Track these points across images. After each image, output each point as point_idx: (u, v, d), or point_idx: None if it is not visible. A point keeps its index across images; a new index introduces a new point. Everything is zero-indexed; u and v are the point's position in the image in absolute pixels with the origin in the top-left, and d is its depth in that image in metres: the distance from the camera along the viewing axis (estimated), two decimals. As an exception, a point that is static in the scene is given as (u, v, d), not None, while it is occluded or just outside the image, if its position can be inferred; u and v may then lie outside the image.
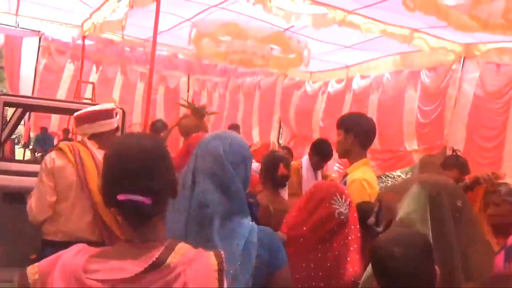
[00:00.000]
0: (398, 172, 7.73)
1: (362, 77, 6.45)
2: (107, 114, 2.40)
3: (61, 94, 7.46)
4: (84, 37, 6.12)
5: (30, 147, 9.88)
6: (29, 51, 6.92)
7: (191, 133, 2.92)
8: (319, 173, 4.11)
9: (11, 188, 2.93)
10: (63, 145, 2.32)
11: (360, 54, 5.90)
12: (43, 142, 8.51)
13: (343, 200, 1.62)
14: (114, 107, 2.48)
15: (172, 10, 4.97)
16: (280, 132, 8.46)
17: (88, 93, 6.87)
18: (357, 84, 6.51)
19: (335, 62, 6.59)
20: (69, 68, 7.49)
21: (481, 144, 4.77)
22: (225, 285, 0.95)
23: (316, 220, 1.55)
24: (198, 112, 2.92)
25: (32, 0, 4.82)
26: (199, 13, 5.24)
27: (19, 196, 2.80)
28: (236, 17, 4.97)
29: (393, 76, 5.93)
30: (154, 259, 0.95)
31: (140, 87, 8.99)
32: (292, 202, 3.15)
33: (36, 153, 8.87)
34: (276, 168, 2.26)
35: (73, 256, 0.96)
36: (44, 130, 8.35)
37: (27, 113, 7.22)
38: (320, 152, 3.83)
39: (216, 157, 1.23)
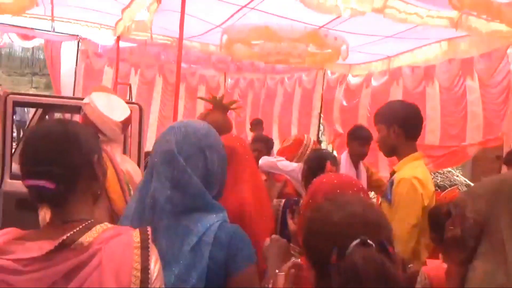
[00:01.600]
0: (448, 168, 7.24)
1: (411, 67, 6.05)
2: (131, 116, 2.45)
3: None
4: (118, 39, 6.21)
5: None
6: (68, 55, 7.12)
7: (217, 131, 2.78)
8: (362, 168, 3.70)
9: (24, 193, 2.87)
10: None
11: (401, 43, 5.54)
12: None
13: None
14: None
15: (200, 14, 4.92)
16: (320, 129, 8.22)
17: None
18: (406, 75, 6.12)
19: (375, 54, 6.26)
20: (108, 72, 7.66)
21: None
22: (153, 264, 0.94)
23: None
24: (220, 106, 2.75)
25: (65, 3, 4.90)
26: (228, 18, 5.17)
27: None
28: (267, 19, 4.84)
29: (445, 65, 5.50)
30: (65, 237, 0.97)
31: (182, 88, 9.06)
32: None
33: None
34: (322, 167, 2.05)
35: None
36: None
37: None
38: (358, 136, 3.48)
39: (166, 151, 1.19)
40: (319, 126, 8.19)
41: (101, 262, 0.95)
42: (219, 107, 2.77)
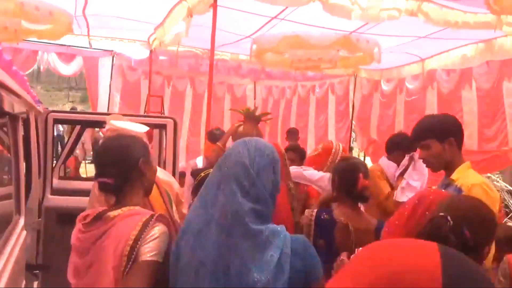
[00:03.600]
0: (488, 174, 7.01)
1: (446, 71, 5.93)
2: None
3: (142, 111, 7.88)
4: (151, 52, 6.41)
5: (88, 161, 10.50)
6: (105, 70, 7.41)
7: None
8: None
9: (65, 208, 2.92)
10: None
11: (435, 44, 5.44)
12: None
13: None
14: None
15: (230, 25, 5.02)
16: (352, 136, 8.15)
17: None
18: (441, 79, 6.00)
19: (408, 55, 6.16)
20: (145, 85, 7.91)
21: None
22: (144, 236, 1.27)
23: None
24: (252, 118, 2.80)
25: (100, 20, 5.13)
26: (258, 29, 5.24)
27: (73, 216, 2.91)
28: (297, 28, 4.89)
29: (483, 68, 5.36)
30: (101, 210, 1.41)
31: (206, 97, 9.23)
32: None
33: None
34: (355, 180, 2.01)
35: None
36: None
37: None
38: (400, 147, 3.21)
39: (239, 162, 1.26)
40: (350, 133, 8.12)
41: (111, 232, 1.34)
42: (251, 119, 2.82)
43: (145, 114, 6.93)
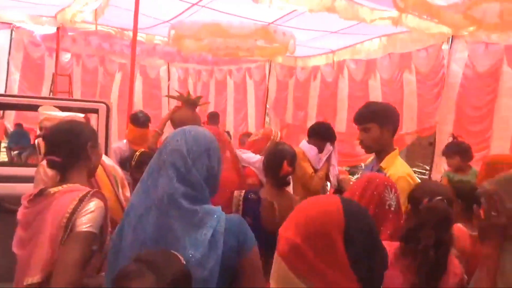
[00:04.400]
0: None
1: (354, 60, 6.48)
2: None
3: (45, 91, 7.32)
4: (59, 29, 6.00)
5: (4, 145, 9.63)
6: (1, 45, 6.73)
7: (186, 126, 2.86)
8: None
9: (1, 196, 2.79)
10: None
11: (346, 38, 5.93)
12: (19, 139, 8.31)
13: (393, 193, 1.65)
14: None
15: (150, 9, 4.93)
16: (266, 120, 8.49)
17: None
18: (350, 68, 6.54)
19: (321, 48, 6.64)
20: (50, 63, 7.34)
21: (469, 125, 4.87)
22: (80, 210, 1.43)
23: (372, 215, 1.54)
24: (190, 104, 2.87)
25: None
26: (178, 15, 5.23)
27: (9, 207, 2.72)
28: (217, 17, 4.97)
29: (385, 59, 5.97)
30: (43, 187, 1.56)
31: (118, 77, 8.88)
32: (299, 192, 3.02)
33: (12, 151, 8.63)
34: (279, 166, 2.18)
35: None
36: (19, 126, 8.15)
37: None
38: (320, 135, 3.43)
39: (177, 150, 1.35)
40: (264, 117, 8.44)
41: (51, 206, 1.47)
42: (188, 104, 2.88)
43: (52, 94, 6.50)
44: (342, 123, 6.59)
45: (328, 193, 3.66)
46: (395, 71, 5.86)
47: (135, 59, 4.14)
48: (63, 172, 1.61)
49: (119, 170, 2.27)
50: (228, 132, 4.10)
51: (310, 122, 6.77)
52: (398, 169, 2.07)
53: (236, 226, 1.35)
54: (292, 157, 2.27)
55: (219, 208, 1.36)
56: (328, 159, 3.41)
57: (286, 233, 1.00)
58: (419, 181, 2.10)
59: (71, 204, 1.45)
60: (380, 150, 2.16)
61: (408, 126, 5.72)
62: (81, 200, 1.46)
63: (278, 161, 2.21)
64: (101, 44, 7.43)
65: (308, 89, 7.39)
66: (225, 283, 1.31)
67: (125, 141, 4.00)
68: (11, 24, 6.62)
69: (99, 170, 2.09)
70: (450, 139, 4.27)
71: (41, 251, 1.44)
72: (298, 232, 0.97)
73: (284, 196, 2.25)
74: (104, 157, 2.24)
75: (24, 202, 1.56)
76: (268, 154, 2.34)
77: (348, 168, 6.87)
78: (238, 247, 1.32)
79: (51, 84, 6.96)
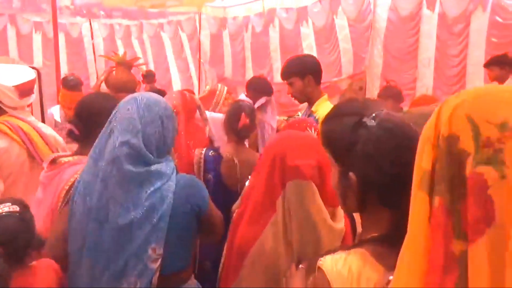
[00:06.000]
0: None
1: (285, 9, 6.57)
2: (35, 80, 2.34)
3: None
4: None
5: None
6: None
7: (122, 90, 2.82)
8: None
9: None
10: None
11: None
12: None
13: (313, 131, 1.81)
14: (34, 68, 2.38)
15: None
16: (202, 75, 8.44)
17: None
18: (281, 17, 6.63)
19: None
20: None
21: (397, 66, 5.25)
22: (72, 189, 1.45)
23: None
24: (125, 64, 2.83)
25: None
26: None
27: None
28: None
29: (317, 6, 6.10)
30: (55, 156, 1.64)
31: (37, 38, 8.28)
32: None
33: None
34: (237, 119, 2.25)
35: None
36: None
37: None
38: (257, 89, 3.40)
39: (127, 118, 1.36)
40: (199, 71, 8.35)
41: (59, 176, 1.56)
42: (123, 65, 2.84)
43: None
44: (278, 73, 6.77)
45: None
46: (327, 18, 6.06)
47: (56, 17, 3.94)
48: (81, 145, 1.66)
49: (60, 139, 2.25)
50: (164, 91, 4.06)
51: (248, 75, 6.90)
52: (326, 110, 2.32)
53: (188, 180, 1.41)
54: (250, 110, 2.33)
55: (170, 169, 1.37)
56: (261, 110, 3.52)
57: (304, 161, 1.15)
58: None
59: (71, 177, 1.49)
60: (309, 98, 2.40)
61: (346, 70, 6.05)
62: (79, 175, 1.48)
63: (237, 114, 2.27)
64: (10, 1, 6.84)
65: (241, 40, 7.42)
66: (186, 242, 1.41)
67: (58, 106, 3.88)
68: None
69: (40, 143, 2.11)
70: (380, 82, 4.63)
71: (43, 218, 1.50)
72: (313, 157, 1.15)
73: (245, 152, 2.31)
74: (42, 126, 2.22)
75: (44, 166, 1.63)
76: (227, 111, 2.41)
77: (287, 118, 7.16)
78: (191, 211, 1.38)
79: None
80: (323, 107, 2.36)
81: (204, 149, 2.32)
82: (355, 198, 0.89)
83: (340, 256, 0.86)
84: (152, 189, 1.30)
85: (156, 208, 1.30)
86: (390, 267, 0.76)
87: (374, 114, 0.88)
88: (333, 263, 0.85)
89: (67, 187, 1.49)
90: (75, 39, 8.89)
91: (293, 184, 1.22)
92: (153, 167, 1.33)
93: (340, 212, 1.30)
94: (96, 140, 1.41)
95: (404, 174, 0.77)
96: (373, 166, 0.86)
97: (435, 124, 0.59)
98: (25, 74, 2.30)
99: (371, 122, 0.87)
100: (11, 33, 8.22)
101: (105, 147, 1.35)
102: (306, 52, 6.28)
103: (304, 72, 2.34)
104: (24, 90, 2.20)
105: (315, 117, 2.34)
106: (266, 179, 1.28)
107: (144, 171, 1.31)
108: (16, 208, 1.47)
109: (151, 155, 1.33)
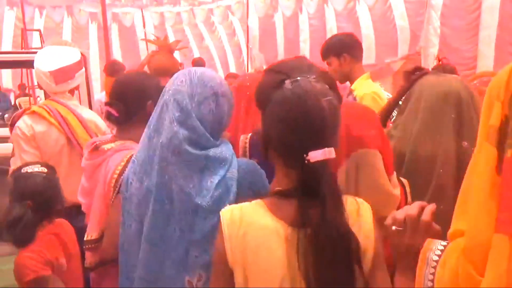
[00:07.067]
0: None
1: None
2: (81, 64, 2.34)
3: (7, 46, 7.15)
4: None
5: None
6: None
7: (164, 73, 2.84)
8: None
9: None
10: (38, 108, 2.20)
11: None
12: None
13: None
14: (80, 52, 2.39)
15: None
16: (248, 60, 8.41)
17: (36, 42, 6.60)
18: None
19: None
20: (10, 16, 7.11)
21: (455, 46, 4.94)
22: (127, 170, 1.38)
23: None
24: (166, 48, 2.85)
25: None
26: None
27: None
28: None
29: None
30: (98, 143, 1.56)
31: (93, 28, 8.67)
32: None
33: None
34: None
35: None
36: (-6, 88, 8.05)
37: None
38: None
39: (179, 91, 1.27)
40: (248, 59, 8.32)
41: (104, 164, 1.51)
42: (164, 49, 2.86)
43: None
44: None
45: None
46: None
47: (105, 7, 4.07)
48: (121, 127, 1.60)
49: (100, 122, 2.28)
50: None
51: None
52: (364, 88, 2.29)
53: (250, 175, 1.30)
54: None
55: (229, 153, 1.28)
56: None
57: (368, 131, 1.19)
58: (385, 101, 2.24)
59: (119, 165, 1.46)
60: (348, 77, 2.37)
61: (402, 50, 5.79)
62: (128, 161, 1.43)
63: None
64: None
65: (296, 23, 7.20)
66: None
67: (103, 92, 4.04)
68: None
69: (78, 127, 2.15)
70: (435, 63, 4.37)
71: (96, 208, 1.51)
72: (375, 127, 1.24)
73: None
74: (83, 111, 2.26)
75: (85, 153, 1.60)
76: None
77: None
78: (252, 188, 1.27)
79: (22, 41, 6.80)
80: (363, 86, 2.32)
81: (249, 135, 2.30)
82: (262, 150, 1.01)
83: (240, 205, 0.99)
84: (217, 179, 1.22)
85: (223, 200, 1.20)
86: (281, 217, 0.93)
87: (297, 78, 0.94)
88: (230, 211, 0.99)
89: (115, 176, 1.46)
90: (128, 28, 9.21)
91: (360, 153, 1.21)
92: (211, 152, 1.24)
93: (395, 180, 1.31)
94: (150, 117, 1.33)
95: (301, 139, 0.91)
96: (273, 125, 0.95)
97: (506, 83, 0.63)
98: (63, 59, 2.31)
99: (288, 85, 0.93)
100: (67, 24, 8.66)
101: (160, 124, 1.28)
102: (364, 32, 6.09)
103: (340, 51, 2.32)
104: (60, 75, 2.22)
105: (353, 95, 2.28)
106: None
107: (202, 155, 1.23)
108: (44, 169, 1.72)
109: (209, 137, 1.25)
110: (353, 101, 2.05)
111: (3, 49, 6.95)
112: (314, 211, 0.91)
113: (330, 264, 0.90)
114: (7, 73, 8.34)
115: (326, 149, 0.92)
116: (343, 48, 2.32)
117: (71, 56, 2.33)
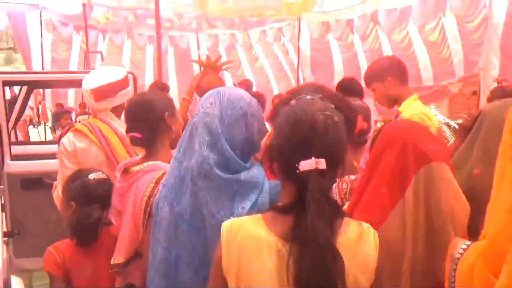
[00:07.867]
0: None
1: (387, 10, 6.28)
2: (125, 83, 2.39)
3: (73, 67, 7.70)
4: (84, 5, 6.22)
5: (49, 125, 10.25)
6: (33, 26, 7.07)
7: None
8: None
9: (28, 173, 2.98)
10: (80, 125, 2.27)
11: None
12: (61, 119, 8.81)
13: None
14: (126, 72, 2.46)
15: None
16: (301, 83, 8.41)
17: (98, 63, 7.03)
18: (384, 19, 6.35)
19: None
20: (77, 40, 7.65)
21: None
22: (156, 192, 1.42)
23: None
24: (212, 67, 2.88)
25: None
26: None
27: (37, 181, 2.94)
28: None
29: (421, 4, 5.75)
30: (127, 166, 1.62)
31: (150, 50, 9.11)
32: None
33: (56, 131, 9.19)
34: (354, 122, 1.97)
35: None
36: (60, 106, 8.63)
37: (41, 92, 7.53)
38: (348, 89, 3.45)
39: (208, 114, 1.26)
40: (297, 80, 8.29)
41: (134, 187, 1.54)
42: (212, 68, 2.87)
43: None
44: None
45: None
46: (429, 16, 5.65)
47: (160, 30, 4.26)
48: (148, 147, 1.65)
49: None
50: (263, 96, 4.08)
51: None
52: (412, 109, 2.24)
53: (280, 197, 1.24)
54: (366, 112, 2.00)
55: (261, 176, 1.24)
56: None
57: (434, 145, 1.20)
58: (438, 120, 2.16)
59: (148, 187, 1.48)
60: (395, 100, 2.33)
61: (457, 73, 5.58)
62: (157, 182, 1.45)
63: (353, 116, 1.97)
64: (126, 17, 7.61)
65: (351, 45, 7.15)
66: None
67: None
68: (38, 5, 6.92)
69: (118, 145, 2.17)
70: (494, 85, 4.15)
71: (125, 231, 1.54)
72: (437, 141, 1.29)
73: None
74: (122, 126, 2.23)
75: (117, 174, 1.65)
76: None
77: (383, 123, 6.84)
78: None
79: (84, 63, 7.28)
80: (410, 107, 2.26)
81: None
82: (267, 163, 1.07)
83: (241, 218, 1.05)
84: (249, 204, 1.19)
85: None
86: (275, 230, 0.99)
87: (301, 96, 1.04)
88: (231, 222, 1.04)
89: (145, 199, 1.49)
90: (183, 50, 9.57)
91: (432, 167, 1.21)
92: (243, 176, 1.21)
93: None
94: (181, 137, 1.34)
95: (297, 151, 0.96)
96: (274, 137, 1.03)
97: None
98: (104, 77, 2.34)
99: (292, 102, 1.04)
100: (128, 46, 9.15)
101: (189, 147, 1.27)
102: (417, 54, 5.94)
103: (383, 75, 2.28)
104: (99, 93, 2.26)
105: (401, 118, 2.22)
106: (392, 168, 1.24)
107: (233, 179, 1.20)
108: (104, 176, 1.85)
109: (239, 160, 1.22)
110: (407, 119, 2.00)
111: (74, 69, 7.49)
112: (305, 225, 0.94)
113: (313, 279, 0.92)
114: (71, 92, 8.95)
115: (314, 158, 0.95)
116: (385, 71, 2.29)
117: (112, 75, 2.38)
